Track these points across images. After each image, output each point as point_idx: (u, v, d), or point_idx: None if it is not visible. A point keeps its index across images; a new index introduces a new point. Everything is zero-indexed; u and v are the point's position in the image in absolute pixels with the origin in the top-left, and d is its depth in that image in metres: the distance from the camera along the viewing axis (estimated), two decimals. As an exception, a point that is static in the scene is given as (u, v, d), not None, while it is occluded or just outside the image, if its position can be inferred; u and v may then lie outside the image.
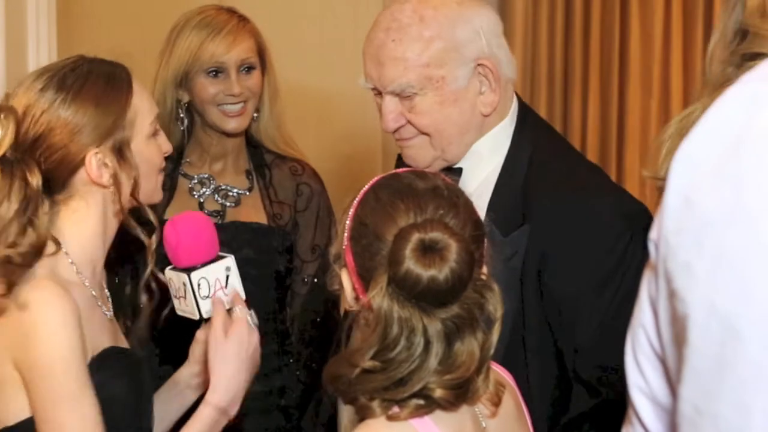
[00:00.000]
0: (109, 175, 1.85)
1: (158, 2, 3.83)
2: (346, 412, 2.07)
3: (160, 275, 1.98)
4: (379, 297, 1.46)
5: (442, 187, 1.54)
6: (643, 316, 1.03)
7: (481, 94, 2.04)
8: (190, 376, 2.04)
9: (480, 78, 2.03)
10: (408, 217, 1.49)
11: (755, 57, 1.54)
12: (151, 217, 1.94)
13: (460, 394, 1.49)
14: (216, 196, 2.62)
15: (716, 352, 0.91)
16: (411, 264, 1.43)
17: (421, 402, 1.48)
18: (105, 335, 1.87)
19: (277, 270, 2.61)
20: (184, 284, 1.92)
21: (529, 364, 1.94)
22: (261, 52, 2.62)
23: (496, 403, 1.59)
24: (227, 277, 1.94)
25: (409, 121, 2.04)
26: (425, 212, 1.49)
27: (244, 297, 1.96)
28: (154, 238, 1.93)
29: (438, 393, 1.47)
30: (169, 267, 1.96)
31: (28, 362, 1.74)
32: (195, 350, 2.02)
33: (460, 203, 1.53)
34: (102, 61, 1.95)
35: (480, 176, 2.07)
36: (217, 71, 2.56)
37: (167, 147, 1.98)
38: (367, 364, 1.46)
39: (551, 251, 1.95)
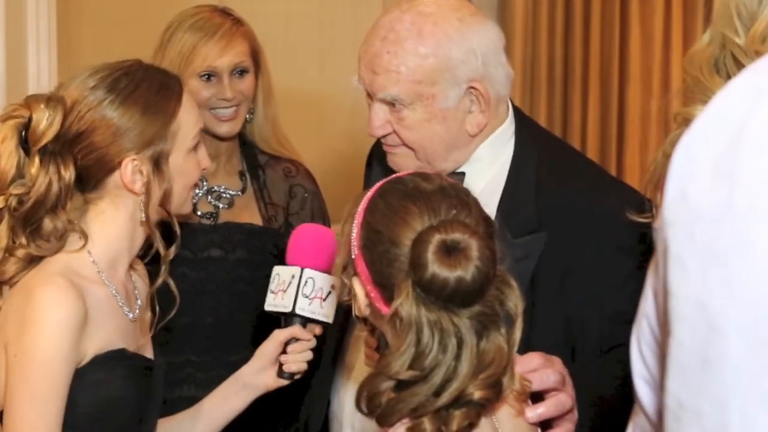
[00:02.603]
0: (141, 183, 1.85)
1: (158, 2, 3.83)
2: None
3: (172, 284, 1.98)
4: (406, 303, 1.43)
5: (448, 187, 1.53)
6: (646, 305, 1.03)
7: (470, 113, 2.03)
8: (250, 374, 2.05)
9: (471, 98, 2.02)
10: (423, 220, 1.47)
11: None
12: (176, 229, 1.93)
13: (495, 393, 1.47)
14: (209, 197, 2.62)
15: (700, 349, 0.92)
16: (436, 267, 1.42)
17: (464, 410, 1.45)
18: (120, 336, 1.86)
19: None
20: (293, 277, 1.96)
21: None
22: (255, 55, 2.61)
23: (524, 399, 1.58)
24: (329, 293, 1.98)
25: (395, 132, 2.04)
26: (439, 213, 1.47)
27: (331, 321, 2.01)
28: (172, 249, 1.93)
29: (477, 395, 1.44)
30: (280, 265, 2.03)
31: (15, 348, 1.75)
32: (266, 347, 2.03)
33: (470, 201, 1.52)
34: (157, 69, 1.96)
35: (484, 179, 2.07)
36: (209, 75, 2.55)
37: (206, 163, 1.98)
38: (406, 374, 1.43)
39: (573, 261, 1.96)
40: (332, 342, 2.22)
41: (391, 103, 2.01)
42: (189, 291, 2.50)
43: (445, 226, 1.45)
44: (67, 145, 1.84)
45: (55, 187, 1.81)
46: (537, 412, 1.64)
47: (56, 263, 1.83)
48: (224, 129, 2.57)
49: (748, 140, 0.90)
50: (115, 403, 1.83)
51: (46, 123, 1.81)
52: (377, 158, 2.29)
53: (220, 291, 2.56)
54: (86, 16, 4.02)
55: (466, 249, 1.43)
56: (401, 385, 1.45)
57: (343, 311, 1.98)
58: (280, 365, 2.02)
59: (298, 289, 1.96)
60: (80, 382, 1.79)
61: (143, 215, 1.87)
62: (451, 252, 1.42)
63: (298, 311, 1.97)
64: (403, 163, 2.06)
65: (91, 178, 1.87)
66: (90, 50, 4.20)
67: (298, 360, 2.01)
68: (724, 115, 0.94)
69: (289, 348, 2.01)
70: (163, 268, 1.93)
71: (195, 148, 1.93)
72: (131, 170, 1.85)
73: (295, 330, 2.00)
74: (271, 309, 2.01)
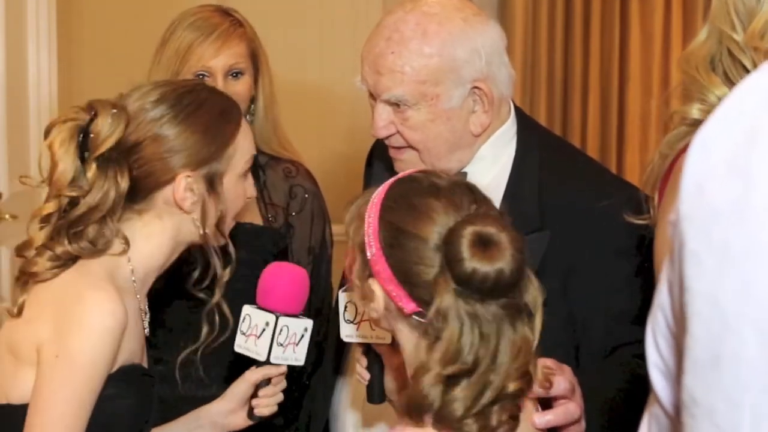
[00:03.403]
0: (191, 201, 1.85)
1: (158, 2, 3.83)
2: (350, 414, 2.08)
3: (225, 308, 1.98)
4: (448, 298, 1.43)
5: (460, 183, 1.55)
6: (661, 297, 1.02)
7: (474, 113, 2.03)
8: (220, 414, 2.02)
9: (474, 98, 2.02)
10: (447, 215, 1.47)
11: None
12: (232, 251, 1.94)
13: (527, 383, 1.49)
14: (208, 198, 2.62)
15: (714, 345, 0.91)
16: (475, 262, 1.42)
17: (503, 403, 1.46)
18: (139, 350, 1.87)
19: None
20: (267, 324, 1.92)
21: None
22: (253, 57, 2.59)
23: (548, 387, 1.60)
24: (302, 337, 1.95)
25: (399, 132, 2.04)
26: (462, 208, 1.48)
27: (302, 364, 1.98)
28: (227, 271, 1.94)
29: (512, 387, 1.45)
30: (251, 305, 1.96)
31: (58, 348, 1.74)
32: (237, 389, 2.00)
33: (486, 196, 1.54)
34: (220, 93, 1.98)
35: (486, 179, 2.07)
36: (203, 75, 2.54)
37: (251, 192, 1.98)
38: (451, 369, 1.43)
39: (577, 261, 1.97)
40: (333, 342, 2.22)
41: (395, 104, 2.01)
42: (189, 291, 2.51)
43: (475, 219, 1.46)
44: (124, 154, 1.83)
45: (112, 194, 1.81)
46: (545, 419, 1.65)
47: (100, 268, 1.82)
48: None
49: (764, 137, 0.90)
50: (124, 416, 1.83)
51: (109, 130, 1.81)
52: (378, 157, 2.29)
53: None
54: (86, 16, 4.03)
55: (500, 242, 1.44)
56: (449, 382, 1.44)
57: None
58: (251, 407, 1.99)
59: (273, 337, 1.92)
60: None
61: (201, 231, 1.86)
62: (487, 245, 1.43)
63: (272, 360, 1.93)
64: (411, 168, 2.06)
65: (142, 190, 1.86)
66: (90, 50, 4.20)
67: (269, 404, 1.99)
68: (739, 112, 0.94)
69: (261, 392, 1.98)
70: (218, 291, 1.94)
71: (245, 174, 1.94)
72: (184, 187, 1.84)
73: (269, 370, 1.97)
74: (243, 352, 1.96)
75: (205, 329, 2.01)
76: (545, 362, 1.67)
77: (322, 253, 2.64)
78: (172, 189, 1.85)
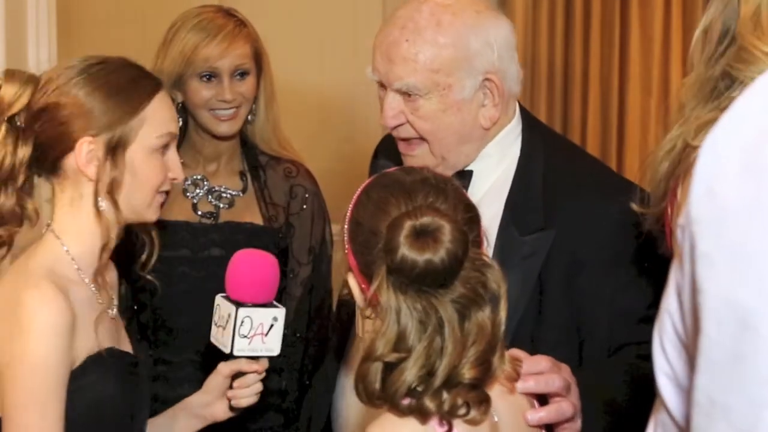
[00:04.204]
0: (95, 168, 1.84)
1: (158, 2, 3.83)
2: (353, 410, 2.08)
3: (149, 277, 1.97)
4: (382, 287, 1.48)
5: (430, 177, 1.58)
6: (669, 302, 1.03)
7: (483, 106, 2.04)
8: (199, 406, 2.03)
9: (485, 91, 2.03)
10: (399, 209, 1.52)
11: (731, 81, 1.52)
12: (154, 234, 1.94)
13: (484, 372, 1.51)
14: (209, 197, 2.62)
15: (731, 345, 0.91)
16: (405, 250, 1.47)
17: (457, 390, 1.48)
18: (104, 334, 1.86)
19: None
20: (229, 315, 1.91)
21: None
22: (257, 57, 2.61)
23: (515, 378, 1.62)
24: (271, 326, 1.92)
25: (409, 122, 2.04)
26: (415, 201, 1.53)
27: (277, 353, 1.95)
28: (156, 242, 1.94)
29: (467, 375, 1.49)
30: (222, 294, 1.95)
31: (8, 356, 1.74)
32: (212, 381, 2.01)
33: (449, 189, 1.56)
34: (139, 67, 1.94)
35: (491, 177, 2.08)
36: (210, 76, 2.55)
37: (176, 173, 1.93)
38: (391, 357, 1.48)
39: (582, 260, 1.98)
40: (335, 340, 2.23)
41: (407, 93, 2.02)
42: (189, 290, 2.50)
43: (416, 211, 1.50)
44: (30, 120, 1.84)
45: (8, 161, 1.81)
46: (537, 415, 1.68)
47: (38, 266, 1.81)
48: (223, 129, 2.57)
49: None
50: (109, 403, 1.83)
51: (14, 95, 1.82)
52: (383, 152, 2.30)
53: (220, 290, 2.56)
54: (86, 16, 4.02)
55: (435, 232, 1.48)
56: (389, 368, 1.49)
57: (348, 309, 1.98)
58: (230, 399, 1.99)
59: (234, 330, 1.89)
60: (75, 385, 1.78)
61: (93, 201, 1.84)
62: (420, 235, 1.47)
63: (236, 353, 1.91)
64: (421, 163, 2.06)
65: (47, 157, 1.85)
66: (90, 50, 4.19)
67: (246, 395, 1.98)
68: (750, 112, 0.94)
69: (236, 383, 1.97)
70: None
71: (162, 150, 1.90)
72: (86, 153, 1.83)
73: (240, 364, 1.95)
74: (214, 342, 1.96)
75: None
76: (515, 353, 1.69)
77: (322, 253, 2.64)
78: (74, 155, 1.84)
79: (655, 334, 1.06)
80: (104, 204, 1.85)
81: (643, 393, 1.87)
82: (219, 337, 1.94)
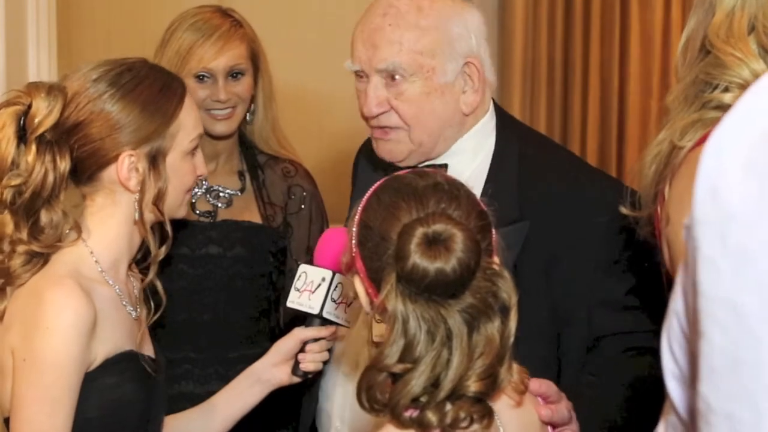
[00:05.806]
0: (137, 180, 1.85)
1: (157, 3, 3.84)
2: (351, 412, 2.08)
3: (159, 286, 1.97)
4: (391, 295, 1.45)
5: (443, 183, 1.54)
6: (676, 303, 1.01)
7: (464, 93, 2.07)
8: (265, 368, 2.06)
9: (465, 77, 2.07)
10: (410, 214, 1.49)
11: (712, 88, 1.52)
12: (169, 229, 1.93)
13: (491, 385, 1.48)
14: (208, 196, 2.63)
15: (732, 351, 0.89)
16: (417, 258, 1.43)
17: (460, 403, 1.46)
18: (126, 336, 1.86)
19: (270, 270, 2.62)
20: (323, 280, 1.98)
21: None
22: (253, 57, 2.61)
23: (522, 391, 1.59)
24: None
25: (393, 108, 2.06)
26: (427, 207, 1.49)
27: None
28: (162, 249, 1.93)
29: (473, 387, 1.46)
30: (305, 262, 2.05)
31: (25, 352, 1.74)
32: (284, 344, 2.05)
33: (462, 195, 1.53)
34: (162, 69, 1.97)
35: (466, 171, 2.09)
36: (204, 76, 2.56)
37: (202, 170, 1.97)
38: (396, 367, 1.45)
39: (558, 251, 2.00)
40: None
41: (391, 76, 2.05)
42: (187, 288, 2.51)
43: (428, 218, 1.46)
44: (64, 135, 1.83)
45: (50, 177, 1.81)
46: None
47: (62, 265, 1.82)
48: (219, 128, 2.58)
49: None
50: (126, 405, 1.83)
51: (45, 111, 1.81)
52: (365, 152, 2.32)
53: (218, 288, 2.57)
54: (86, 16, 4.03)
55: (448, 240, 1.44)
56: (395, 378, 1.46)
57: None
58: (297, 363, 2.04)
59: (328, 292, 1.98)
60: (91, 386, 1.78)
61: (137, 213, 1.86)
62: (432, 243, 1.44)
63: (325, 314, 1.99)
64: (396, 149, 2.08)
65: (85, 170, 1.86)
66: (90, 50, 4.20)
67: (316, 360, 2.03)
68: (753, 113, 0.92)
69: (308, 347, 2.03)
70: (152, 269, 1.91)
71: (192, 152, 1.93)
72: (127, 166, 1.85)
73: (319, 331, 2.02)
74: (295, 306, 2.02)
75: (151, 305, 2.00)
76: (551, 386, 1.70)
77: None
78: (116, 168, 1.84)
79: (663, 335, 1.04)
80: (148, 214, 1.87)
81: (642, 394, 1.88)
82: (304, 301, 2.00)
